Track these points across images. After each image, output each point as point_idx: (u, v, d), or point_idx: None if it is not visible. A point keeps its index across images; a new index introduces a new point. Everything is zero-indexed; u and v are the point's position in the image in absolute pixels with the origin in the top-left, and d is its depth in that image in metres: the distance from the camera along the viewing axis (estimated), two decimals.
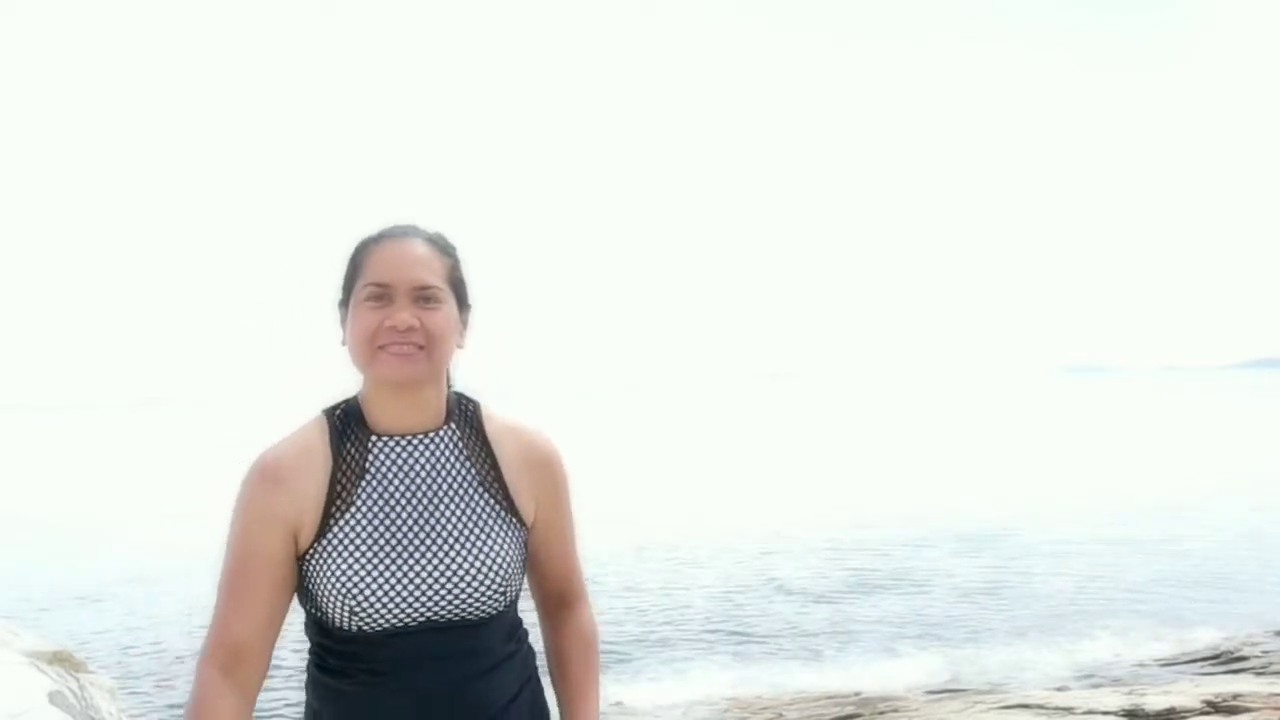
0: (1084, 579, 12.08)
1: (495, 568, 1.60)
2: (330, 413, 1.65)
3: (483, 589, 1.59)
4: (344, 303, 1.64)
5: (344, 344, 1.64)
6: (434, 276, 1.61)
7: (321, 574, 1.55)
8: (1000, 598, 11.18)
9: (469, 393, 1.74)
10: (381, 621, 1.54)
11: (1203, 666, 8.11)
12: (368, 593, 1.53)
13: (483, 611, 1.60)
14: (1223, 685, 6.38)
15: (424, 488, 1.61)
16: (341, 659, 1.58)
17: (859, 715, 6.59)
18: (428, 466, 1.63)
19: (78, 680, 4.09)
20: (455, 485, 1.63)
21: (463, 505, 1.62)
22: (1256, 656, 8.15)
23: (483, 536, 1.61)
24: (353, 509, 1.57)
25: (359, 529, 1.56)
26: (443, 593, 1.57)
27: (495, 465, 1.67)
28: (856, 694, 7.28)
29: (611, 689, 8.04)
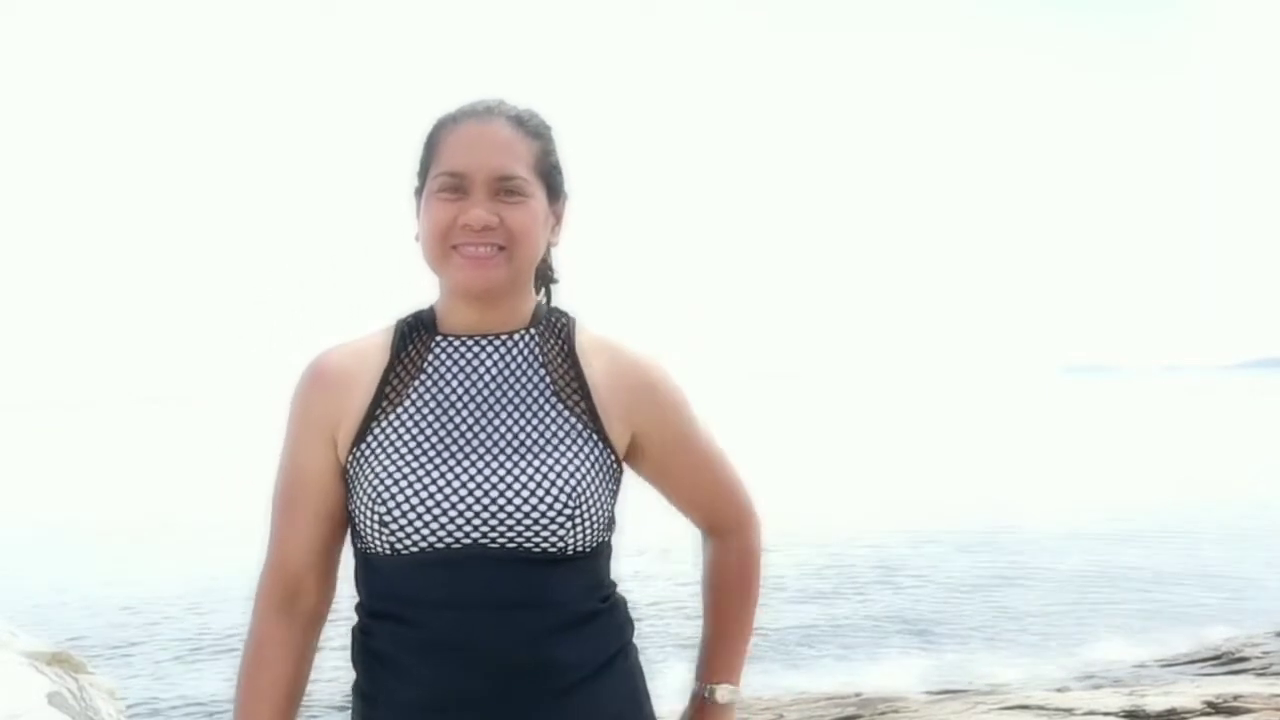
0: (1085, 579, 12.07)
1: (565, 484, 1.32)
2: (401, 319, 1.46)
3: (547, 507, 1.30)
4: (419, 190, 1.43)
5: (416, 239, 1.42)
6: (518, 164, 1.37)
7: (357, 480, 1.34)
8: (1001, 598, 11.17)
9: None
10: (417, 537, 1.28)
11: (1203, 667, 8.11)
12: (401, 495, 1.29)
13: (549, 542, 1.31)
14: (1224, 686, 6.37)
15: (487, 390, 1.38)
16: (374, 597, 1.35)
17: (859, 716, 6.58)
18: (496, 369, 1.39)
19: (77, 681, 4.09)
20: (525, 392, 1.39)
21: (531, 413, 1.37)
22: (1258, 657, 8.15)
23: (552, 448, 1.35)
24: (400, 409, 1.36)
25: (403, 429, 1.35)
26: (497, 505, 1.30)
27: (581, 378, 1.41)
28: (857, 694, 7.27)
29: None
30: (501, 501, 1.31)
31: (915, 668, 8.53)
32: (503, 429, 1.36)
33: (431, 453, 1.33)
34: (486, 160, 1.35)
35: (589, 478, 1.35)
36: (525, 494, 1.31)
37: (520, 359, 1.41)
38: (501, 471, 1.32)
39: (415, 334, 1.42)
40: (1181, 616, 10.14)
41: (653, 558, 13.95)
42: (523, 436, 1.35)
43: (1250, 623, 9.60)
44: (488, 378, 1.39)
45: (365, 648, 1.37)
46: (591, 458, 1.37)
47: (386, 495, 1.30)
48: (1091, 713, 5.64)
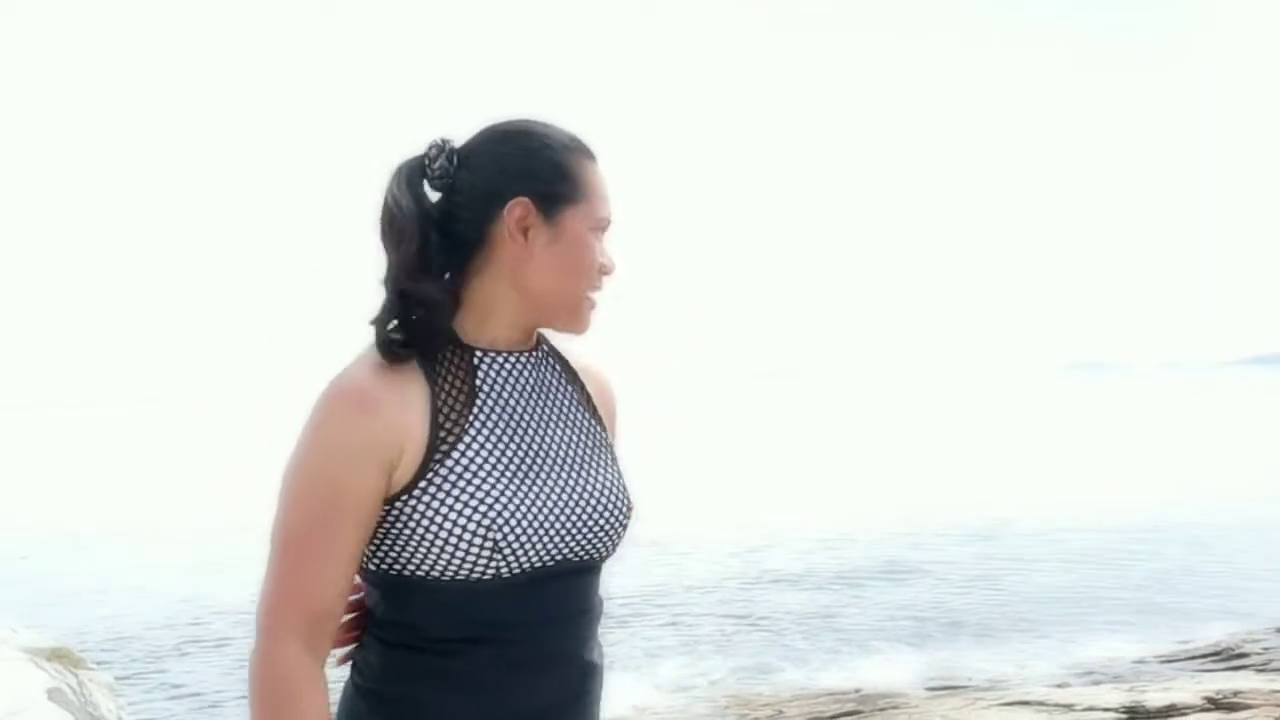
0: (1085, 575, 12.07)
1: (626, 492, 1.43)
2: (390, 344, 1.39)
3: (623, 515, 1.40)
4: (546, 212, 1.35)
5: (525, 237, 1.35)
6: None
7: (445, 509, 1.28)
8: (1001, 594, 11.17)
9: None
10: (526, 560, 1.29)
11: (1203, 663, 8.11)
12: (515, 519, 1.28)
13: (614, 548, 1.41)
14: (1224, 682, 6.38)
15: (539, 406, 1.39)
16: (464, 624, 1.30)
17: (860, 712, 6.59)
18: (536, 383, 1.40)
19: (76, 677, 4.09)
20: (565, 405, 1.42)
21: (576, 426, 1.42)
22: (1257, 653, 8.15)
23: (603, 458, 1.43)
24: (471, 432, 1.32)
25: (485, 452, 1.32)
26: (586, 518, 1.35)
27: (585, 390, 1.47)
28: (857, 691, 7.28)
29: (611, 685, 8.04)
30: (588, 515, 1.36)
31: (915, 663, 8.53)
32: (563, 443, 1.39)
33: (522, 473, 1.33)
34: (612, 209, 1.41)
35: (628, 485, 1.45)
36: (604, 505, 1.39)
37: (549, 373, 1.43)
38: (581, 485, 1.37)
39: (444, 352, 1.35)
40: (1181, 612, 10.14)
41: (652, 552, 13.97)
42: (580, 449, 1.41)
43: (1250, 619, 9.60)
44: (536, 393, 1.40)
45: (434, 670, 1.31)
46: (620, 465, 1.47)
47: (500, 521, 1.28)
48: (1091, 709, 5.64)
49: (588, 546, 1.36)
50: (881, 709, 6.55)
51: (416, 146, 1.40)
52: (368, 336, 1.39)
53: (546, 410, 1.40)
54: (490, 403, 1.35)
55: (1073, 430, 40.77)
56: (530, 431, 1.37)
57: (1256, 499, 18.09)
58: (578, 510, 1.35)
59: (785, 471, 25.71)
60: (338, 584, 1.28)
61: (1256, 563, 12.65)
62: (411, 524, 1.29)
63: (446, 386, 1.33)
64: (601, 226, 1.39)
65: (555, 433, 1.39)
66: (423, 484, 1.29)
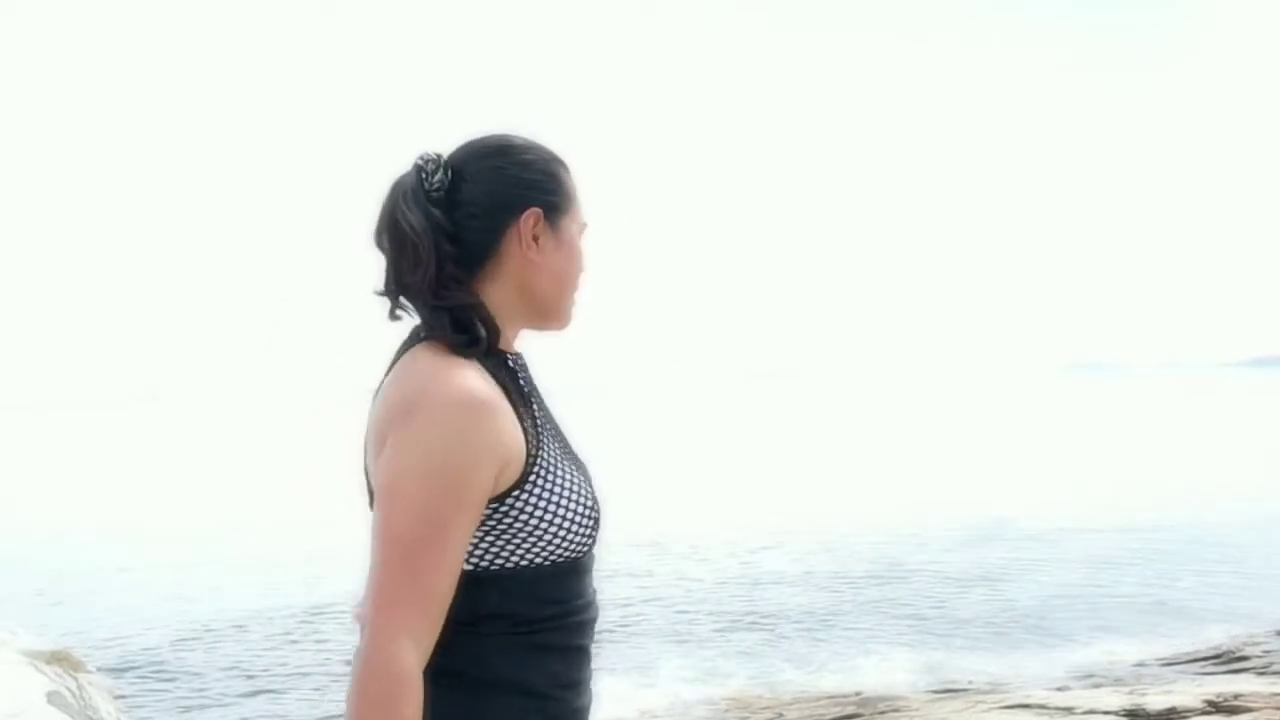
0: (1085, 577, 12.07)
1: None
2: (467, 346, 1.43)
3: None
4: (551, 221, 1.46)
5: (535, 249, 1.44)
6: None
7: (556, 498, 1.37)
8: (1001, 596, 11.17)
9: None
10: (599, 534, 1.45)
11: (1204, 666, 8.11)
12: (596, 501, 1.43)
13: None
14: (1224, 685, 6.38)
15: (545, 402, 1.51)
16: (551, 603, 1.38)
17: (860, 715, 6.58)
18: (536, 383, 1.52)
19: (76, 680, 4.08)
20: (547, 403, 1.53)
21: (558, 419, 1.55)
22: (1258, 656, 8.14)
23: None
24: (541, 426, 1.43)
25: (554, 444, 1.43)
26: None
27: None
28: (857, 693, 7.27)
29: (612, 687, 8.03)
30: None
31: (915, 665, 8.53)
32: (565, 433, 1.52)
33: (576, 459, 1.48)
34: None
35: None
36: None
37: (531, 373, 1.53)
38: (587, 469, 1.51)
39: (489, 355, 1.43)
40: (1182, 615, 10.14)
41: (652, 553, 13.97)
42: (567, 437, 1.52)
43: (1251, 621, 9.60)
44: (538, 391, 1.50)
45: (568, 647, 1.41)
46: None
47: (593, 502, 1.42)
48: (1092, 711, 5.64)
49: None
50: (881, 712, 6.54)
51: (406, 157, 1.46)
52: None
53: (548, 406, 1.51)
54: (535, 401, 1.46)
55: (1073, 431, 40.78)
56: (555, 425, 1.49)
57: (1257, 501, 18.10)
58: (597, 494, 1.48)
59: (785, 472, 25.71)
60: (453, 585, 1.32)
61: (1257, 565, 12.65)
62: (524, 517, 1.36)
63: (511, 387, 1.42)
64: (584, 230, 1.52)
65: (558, 424, 1.52)
66: (532, 478, 1.37)
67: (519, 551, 1.36)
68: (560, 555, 1.38)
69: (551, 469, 1.39)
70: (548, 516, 1.37)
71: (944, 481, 22.41)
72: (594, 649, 1.46)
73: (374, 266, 1.46)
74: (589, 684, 1.45)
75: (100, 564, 14.63)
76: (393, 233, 1.40)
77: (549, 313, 1.49)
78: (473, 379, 1.35)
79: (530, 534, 1.36)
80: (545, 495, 1.37)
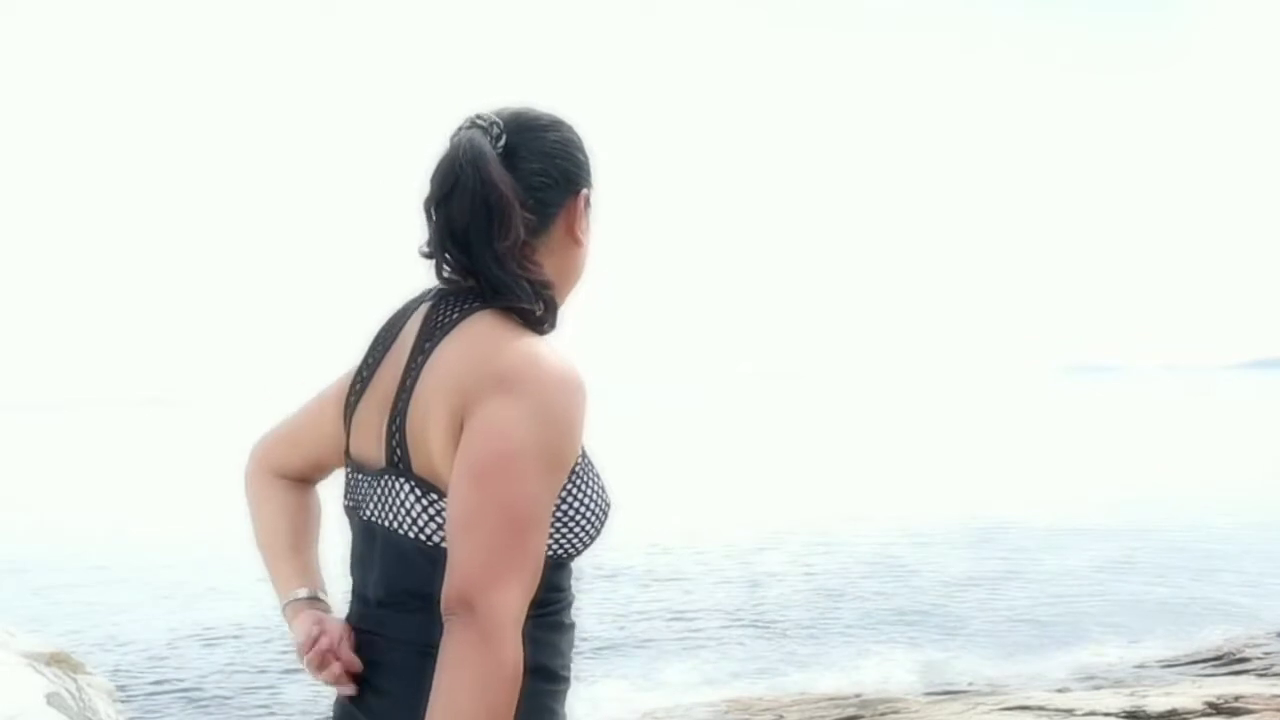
0: (1085, 579, 12.07)
1: None
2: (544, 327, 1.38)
3: None
4: (575, 193, 1.41)
5: (581, 237, 1.41)
6: None
7: (592, 485, 1.36)
8: (1001, 598, 11.17)
9: None
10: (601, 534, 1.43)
11: (1204, 668, 8.10)
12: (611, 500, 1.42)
13: None
14: (1225, 687, 6.37)
15: None
16: (559, 589, 1.39)
17: (860, 716, 6.57)
18: None
19: (75, 681, 4.08)
20: None
21: None
22: (1259, 658, 8.14)
23: None
24: None
25: None
26: None
27: None
28: (857, 695, 7.26)
29: (612, 688, 8.03)
30: None
31: (915, 667, 8.53)
32: None
33: None
34: None
35: None
36: None
37: None
38: None
39: None
40: (1182, 617, 10.14)
41: (651, 554, 13.96)
42: None
43: (1251, 623, 9.60)
44: None
45: (568, 626, 1.42)
46: None
47: (609, 498, 1.39)
48: (1092, 713, 5.63)
49: None
50: (881, 713, 6.53)
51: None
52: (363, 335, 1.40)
53: None
54: None
55: (1073, 433, 40.78)
56: None
57: (1257, 502, 18.10)
58: None
59: (784, 474, 25.70)
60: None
61: (1258, 567, 12.65)
62: (565, 507, 1.32)
63: None
64: None
65: None
66: (579, 469, 1.33)
67: (562, 537, 1.33)
68: (579, 546, 1.36)
69: (591, 462, 1.37)
70: (581, 509, 1.34)
71: (944, 483, 22.41)
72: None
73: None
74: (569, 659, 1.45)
75: (100, 564, 14.61)
76: (480, 191, 1.29)
77: (564, 297, 1.42)
78: (568, 358, 1.31)
79: (567, 523, 1.33)
80: (584, 487, 1.34)
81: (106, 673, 5.93)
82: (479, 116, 1.36)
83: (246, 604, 11.25)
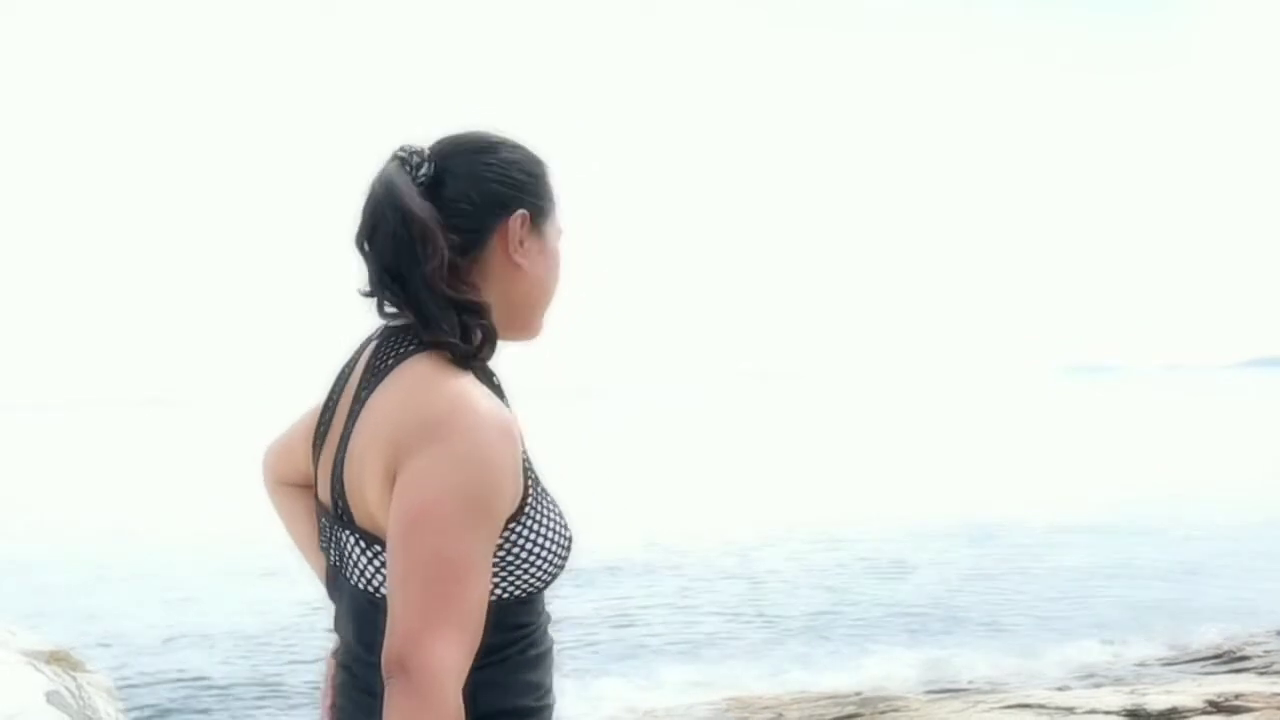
0: (1085, 578, 12.07)
1: None
2: (469, 362, 1.33)
3: None
4: (535, 224, 1.38)
5: (519, 263, 1.36)
6: None
7: (545, 527, 1.32)
8: (1001, 596, 11.17)
9: None
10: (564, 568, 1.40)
11: (1205, 666, 8.10)
12: (571, 532, 1.38)
13: None
14: (1225, 685, 6.36)
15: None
16: (531, 625, 1.35)
17: (860, 715, 6.57)
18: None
19: (75, 680, 4.08)
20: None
21: None
22: (1259, 656, 8.14)
23: None
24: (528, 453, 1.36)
25: (536, 472, 1.36)
26: None
27: None
28: (857, 694, 7.26)
29: (611, 687, 8.03)
30: None
31: (915, 665, 8.53)
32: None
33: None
34: None
35: None
36: None
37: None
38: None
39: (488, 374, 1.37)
40: (1182, 615, 10.13)
41: (651, 553, 13.96)
42: None
43: (1251, 621, 9.60)
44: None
45: (540, 655, 1.36)
46: None
47: (569, 526, 1.36)
48: (1093, 711, 5.63)
49: None
50: (881, 711, 6.53)
51: (449, 123, 1.40)
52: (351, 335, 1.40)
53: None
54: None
55: (1074, 432, 40.78)
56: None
57: (1257, 501, 18.09)
58: None
59: (784, 472, 25.70)
60: (484, 615, 1.23)
61: (1258, 565, 12.65)
62: (516, 550, 1.29)
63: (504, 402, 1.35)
64: (560, 236, 1.43)
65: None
66: (528, 509, 1.30)
67: (510, 581, 1.30)
68: (537, 585, 1.33)
69: (543, 498, 1.33)
70: (535, 549, 1.30)
71: (944, 482, 22.41)
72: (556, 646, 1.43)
73: (359, 268, 1.35)
74: (551, 682, 1.41)
75: (100, 563, 14.61)
76: (399, 223, 1.29)
77: (523, 322, 1.40)
78: (489, 398, 1.28)
79: (518, 566, 1.30)
80: (536, 527, 1.31)
81: (106, 671, 5.94)
82: (401, 148, 1.35)
83: (246, 601, 11.26)
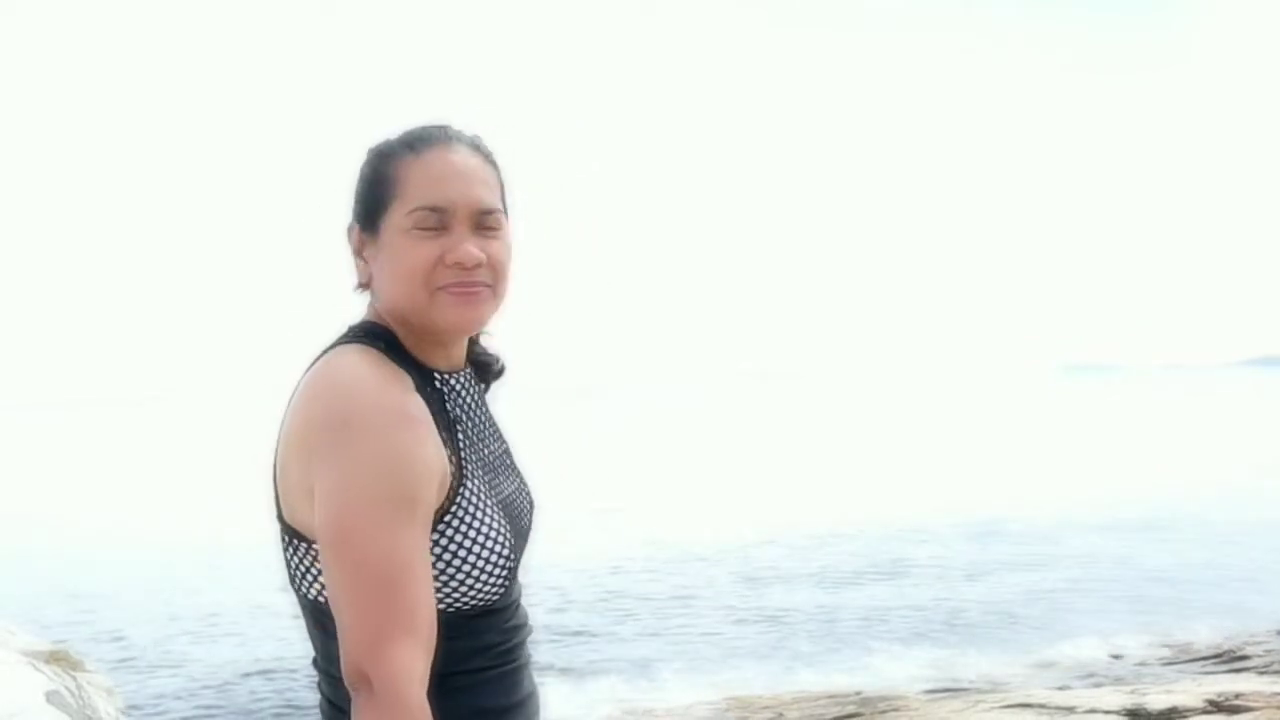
0: (1086, 576, 12.07)
1: (532, 491, 1.44)
2: (372, 343, 1.28)
3: (535, 517, 1.44)
4: (368, 229, 1.32)
5: (362, 283, 1.35)
6: (493, 195, 1.32)
7: (471, 537, 1.24)
8: (1002, 595, 11.17)
9: None
10: (505, 592, 1.31)
11: (1205, 665, 8.10)
12: (515, 544, 1.30)
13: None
14: (1225, 684, 6.36)
15: (486, 428, 1.38)
16: (480, 640, 1.28)
17: (860, 714, 6.57)
18: (476, 405, 1.38)
19: (75, 679, 4.08)
20: (495, 426, 1.42)
21: (507, 446, 1.43)
22: (1259, 655, 8.14)
23: (527, 480, 1.44)
24: (467, 452, 1.30)
25: (482, 475, 1.30)
26: (528, 528, 1.39)
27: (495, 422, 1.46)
28: (857, 693, 7.26)
29: (612, 688, 8.02)
30: (530, 522, 1.41)
31: (916, 666, 8.53)
32: (510, 463, 1.42)
33: (508, 498, 1.35)
34: (466, 192, 1.28)
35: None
36: (532, 509, 1.43)
37: (479, 396, 1.41)
38: (524, 494, 1.42)
39: (407, 368, 1.29)
40: (1183, 614, 10.13)
41: (650, 552, 13.95)
42: (519, 471, 1.44)
43: (1252, 620, 9.60)
44: (479, 413, 1.38)
45: (499, 677, 1.30)
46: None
47: (510, 546, 1.29)
48: (1093, 711, 5.63)
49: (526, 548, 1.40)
50: (882, 711, 6.53)
51: (448, 122, 1.40)
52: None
53: (491, 431, 1.39)
54: (468, 427, 1.34)
55: (1074, 431, 40.77)
56: (495, 458, 1.37)
57: (1258, 500, 18.10)
58: (527, 519, 1.39)
59: (784, 471, 25.70)
60: (434, 612, 1.18)
61: (1258, 564, 12.65)
62: (455, 541, 1.24)
63: (445, 410, 1.31)
64: (427, 216, 1.27)
65: (503, 451, 1.41)
66: (448, 517, 1.24)
67: (446, 591, 1.24)
68: (474, 598, 1.26)
69: (471, 508, 1.25)
70: (455, 561, 1.23)
71: (944, 480, 22.41)
72: (532, 656, 1.38)
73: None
74: (533, 695, 1.35)
75: (99, 561, 14.62)
76: None
77: (413, 319, 1.30)
78: (389, 384, 1.22)
79: (458, 568, 1.24)
80: (463, 529, 1.24)
81: (106, 669, 5.93)
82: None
83: (247, 600, 11.26)
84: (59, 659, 4.18)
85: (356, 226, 1.34)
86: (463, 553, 1.24)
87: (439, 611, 1.21)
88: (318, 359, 1.29)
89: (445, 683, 1.21)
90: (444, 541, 1.23)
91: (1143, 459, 27.30)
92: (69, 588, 12.64)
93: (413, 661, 1.13)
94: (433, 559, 1.22)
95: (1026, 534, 15.07)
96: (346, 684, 1.14)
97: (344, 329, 1.33)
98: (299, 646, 9.47)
